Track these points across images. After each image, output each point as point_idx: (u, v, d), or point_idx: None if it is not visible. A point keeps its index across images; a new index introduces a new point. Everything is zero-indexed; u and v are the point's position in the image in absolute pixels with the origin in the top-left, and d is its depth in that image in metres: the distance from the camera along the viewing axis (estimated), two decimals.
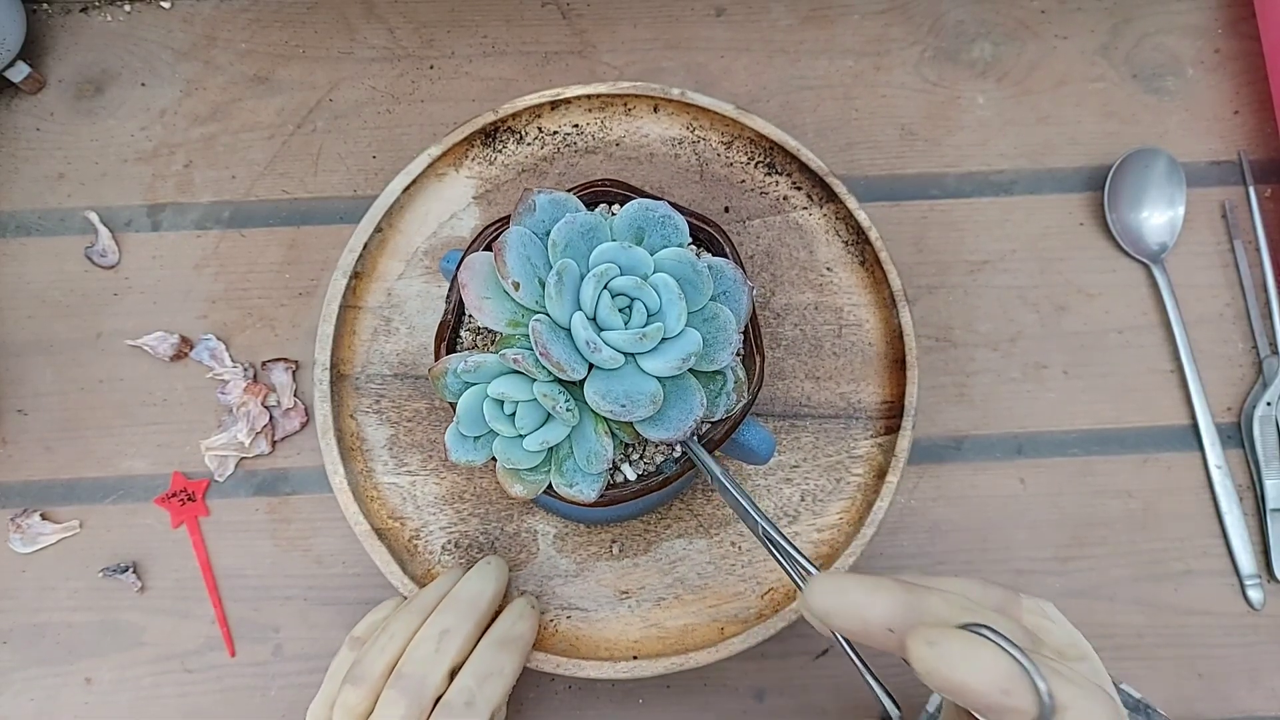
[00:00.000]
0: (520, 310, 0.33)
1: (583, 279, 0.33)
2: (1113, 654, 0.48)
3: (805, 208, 0.50)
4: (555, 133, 0.51)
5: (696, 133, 0.51)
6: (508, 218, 0.35)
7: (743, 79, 0.55)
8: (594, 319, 0.33)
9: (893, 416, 0.48)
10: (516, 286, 0.32)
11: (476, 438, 0.34)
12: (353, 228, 0.50)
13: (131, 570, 0.48)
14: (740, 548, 0.47)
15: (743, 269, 0.36)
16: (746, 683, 0.48)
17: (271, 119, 0.54)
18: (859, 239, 0.50)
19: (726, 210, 0.51)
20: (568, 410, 0.32)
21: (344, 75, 0.55)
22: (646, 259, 0.33)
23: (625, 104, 0.51)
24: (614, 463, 0.36)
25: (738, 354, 0.35)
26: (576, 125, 0.52)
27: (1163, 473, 0.50)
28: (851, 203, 0.49)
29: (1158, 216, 0.53)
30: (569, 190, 0.36)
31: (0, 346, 0.51)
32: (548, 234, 0.33)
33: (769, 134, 0.50)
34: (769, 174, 0.51)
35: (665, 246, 0.34)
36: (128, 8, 0.56)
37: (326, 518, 0.49)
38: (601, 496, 0.34)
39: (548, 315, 0.33)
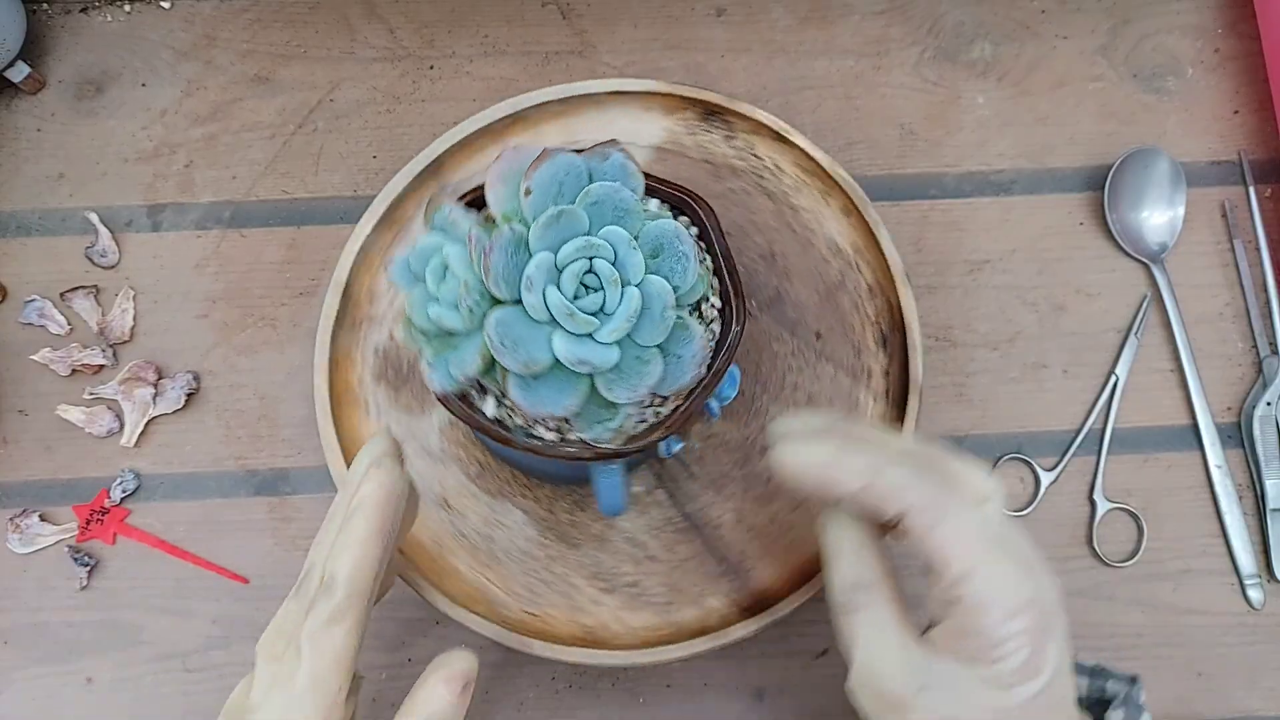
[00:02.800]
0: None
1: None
2: (1113, 654, 0.48)
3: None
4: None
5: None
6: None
7: (742, 79, 0.55)
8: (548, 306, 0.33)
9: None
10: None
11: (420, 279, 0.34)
12: (353, 228, 0.50)
13: (87, 566, 0.48)
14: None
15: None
16: (746, 683, 0.48)
17: (272, 119, 0.54)
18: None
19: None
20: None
21: (345, 75, 0.55)
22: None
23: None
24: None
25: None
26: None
27: (1163, 472, 0.50)
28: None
29: (1158, 216, 0.53)
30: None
31: (0, 347, 0.51)
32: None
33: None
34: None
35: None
36: (128, 8, 0.56)
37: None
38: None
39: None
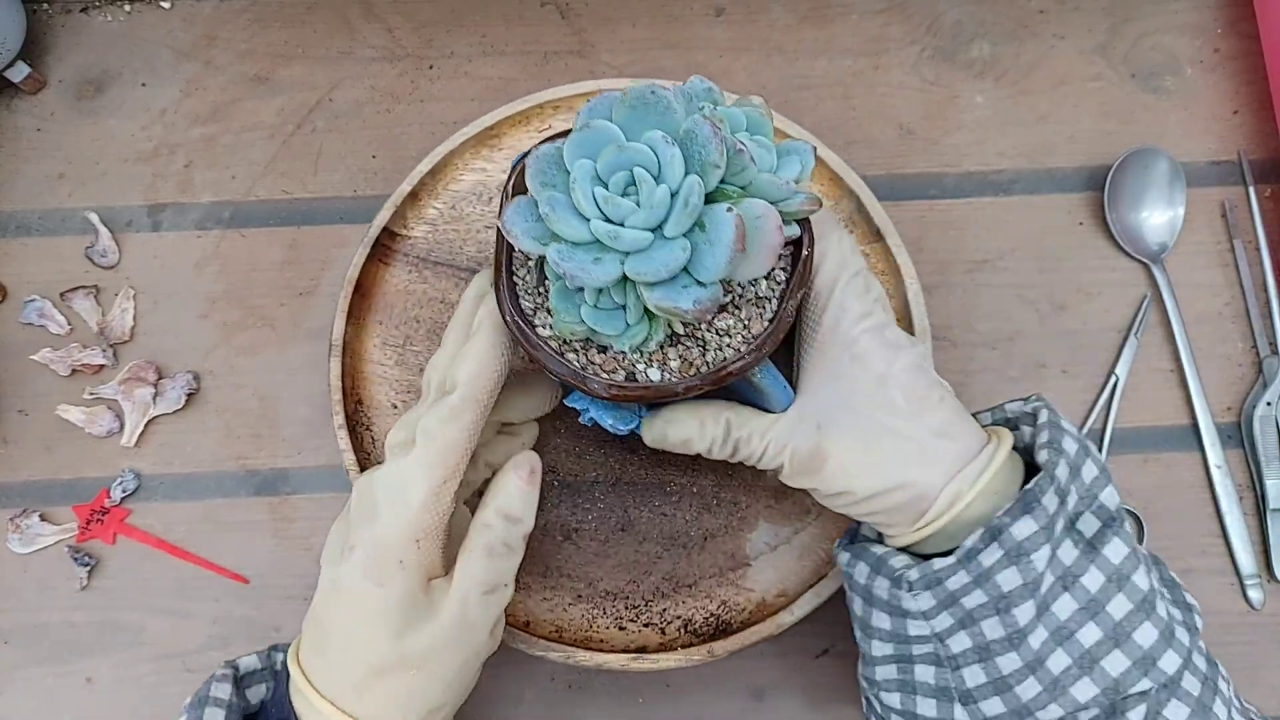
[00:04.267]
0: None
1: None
2: None
3: None
4: None
5: None
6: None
7: (742, 79, 0.55)
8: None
9: None
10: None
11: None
12: (354, 228, 0.50)
13: (87, 566, 0.48)
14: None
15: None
16: (746, 682, 0.48)
17: (271, 119, 0.54)
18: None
19: None
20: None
21: (344, 75, 0.55)
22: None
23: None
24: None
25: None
26: None
27: (1163, 472, 0.50)
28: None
29: (1157, 216, 0.53)
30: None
31: (0, 347, 0.51)
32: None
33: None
34: None
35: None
36: (128, 8, 0.56)
37: (327, 517, 0.49)
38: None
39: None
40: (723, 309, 0.35)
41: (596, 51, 0.56)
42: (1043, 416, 0.37)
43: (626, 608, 0.46)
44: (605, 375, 0.35)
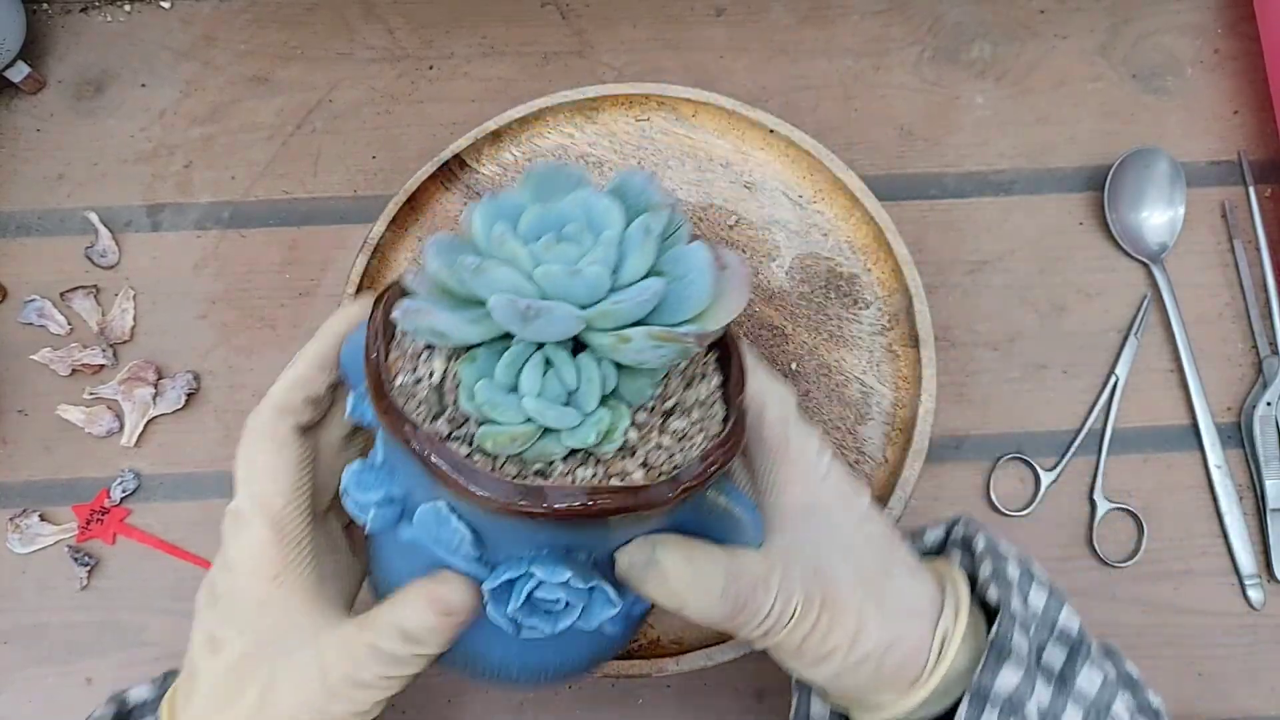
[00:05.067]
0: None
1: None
2: None
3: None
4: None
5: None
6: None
7: (742, 79, 0.55)
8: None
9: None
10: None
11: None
12: (354, 228, 0.50)
13: (87, 566, 0.48)
14: None
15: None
16: (746, 683, 0.48)
17: (271, 119, 0.54)
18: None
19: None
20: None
21: (343, 76, 0.55)
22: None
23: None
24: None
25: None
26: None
27: (1163, 472, 0.50)
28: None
29: (1158, 216, 0.53)
30: None
31: (0, 347, 0.51)
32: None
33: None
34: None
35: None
36: (128, 8, 0.56)
37: None
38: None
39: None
40: (668, 414, 0.29)
41: (597, 52, 0.56)
42: (979, 544, 0.34)
43: None
44: (572, 480, 0.27)
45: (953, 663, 0.31)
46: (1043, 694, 0.31)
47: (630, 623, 0.33)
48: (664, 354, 0.26)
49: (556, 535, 0.28)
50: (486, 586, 0.29)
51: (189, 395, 0.50)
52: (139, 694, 0.35)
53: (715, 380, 0.31)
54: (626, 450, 0.27)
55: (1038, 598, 0.33)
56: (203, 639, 0.32)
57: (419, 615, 0.30)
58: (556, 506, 0.26)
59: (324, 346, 0.33)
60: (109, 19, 0.56)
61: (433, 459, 0.26)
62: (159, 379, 0.51)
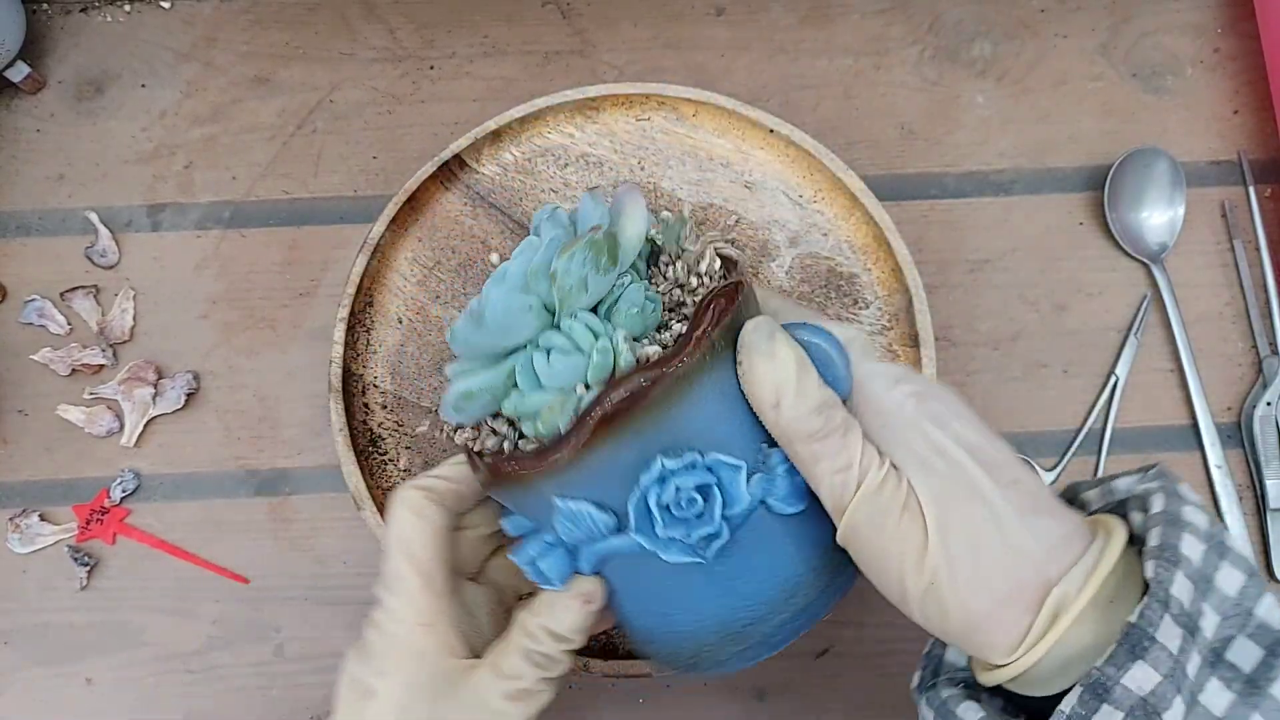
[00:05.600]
0: None
1: None
2: None
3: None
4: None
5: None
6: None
7: (743, 78, 0.55)
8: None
9: None
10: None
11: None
12: (354, 228, 0.50)
13: (87, 566, 0.48)
14: None
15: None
16: (746, 683, 0.48)
17: (272, 120, 0.54)
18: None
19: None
20: None
21: (344, 76, 0.55)
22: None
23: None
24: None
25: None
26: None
27: None
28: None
29: (1158, 216, 0.53)
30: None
31: (0, 347, 0.51)
32: None
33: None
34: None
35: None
36: (128, 8, 0.56)
37: (327, 517, 0.49)
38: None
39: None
40: (668, 315, 0.32)
41: (598, 51, 0.56)
42: (1156, 503, 0.28)
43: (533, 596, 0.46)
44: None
45: (1070, 636, 0.27)
46: (1217, 698, 0.26)
47: (797, 491, 0.31)
48: (594, 267, 0.30)
49: (645, 447, 0.30)
50: (634, 534, 0.31)
51: (189, 395, 0.50)
52: None
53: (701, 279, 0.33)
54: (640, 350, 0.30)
55: (1229, 581, 0.27)
56: (354, 693, 0.34)
57: (565, 611, 0.33)
58: (615, 401, 0.29)
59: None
60: (109, 19, 0.56)
61: (511, 466, 0.31)
62: (159, 379, 0.51)
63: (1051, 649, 0.27)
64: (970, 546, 0.28)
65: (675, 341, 0.30)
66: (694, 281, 0.33)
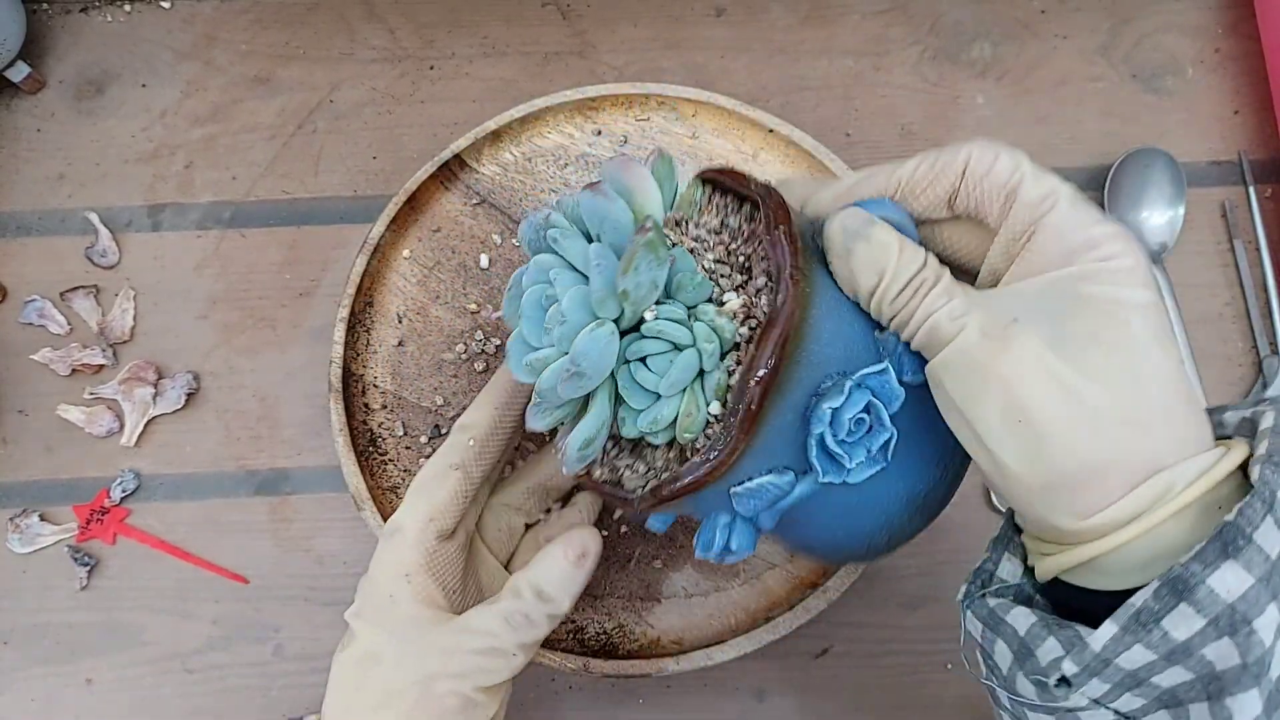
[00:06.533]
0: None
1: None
2: None
3: None
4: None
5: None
6: None
7: (742, 79, 0.55)
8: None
9: None
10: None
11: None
12: (354, 228, 0.50)
13: (87, 566, 0.48)
14: None
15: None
16: (746, 683, 0.48)
17: (272, 120, 0.54)
18: None
19: None
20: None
21: (344, 76, 0.55)
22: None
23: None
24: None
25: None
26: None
27: None
28: None
29: (1158, 216, 0.53)
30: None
31: (0, 347, 0.51)
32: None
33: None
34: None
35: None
36: (128, 8, 0.56)
37: (327, 517, 0.49)
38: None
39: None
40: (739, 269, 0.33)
41: (597, 52, 0.56)
42: (1266, 420, 0.26)
43: None
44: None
45: (1166, 529, 0.25)
46: None
47: (916, 357, 0.31)
48: (656, 264, 0.30)
49: (796, 401, 0.30)
50: (821, 478, 0.31)
51: (189, 395, 0.50)
52: None
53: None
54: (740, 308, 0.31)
55: None
56: (341, 643, 0.36)
57: (554, 568, 0.35)
58: (760, 380, 0.29)
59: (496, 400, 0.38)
60: (109, 19, 0.56)
61: (681, 487, 0.30)
62: (159, 379, 0.51)
63: (1143, 534, 0.25)
64: (1099, 388, 0.26)
65: (755, 290, 0.31)
66: (728, 223, 0.33)
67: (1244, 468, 0.26)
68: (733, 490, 0.31)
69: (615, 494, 0.34)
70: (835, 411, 0.30)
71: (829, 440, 0.30)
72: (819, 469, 0.30)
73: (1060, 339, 0.26)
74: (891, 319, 0.30)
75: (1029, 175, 0.29)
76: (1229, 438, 0.28)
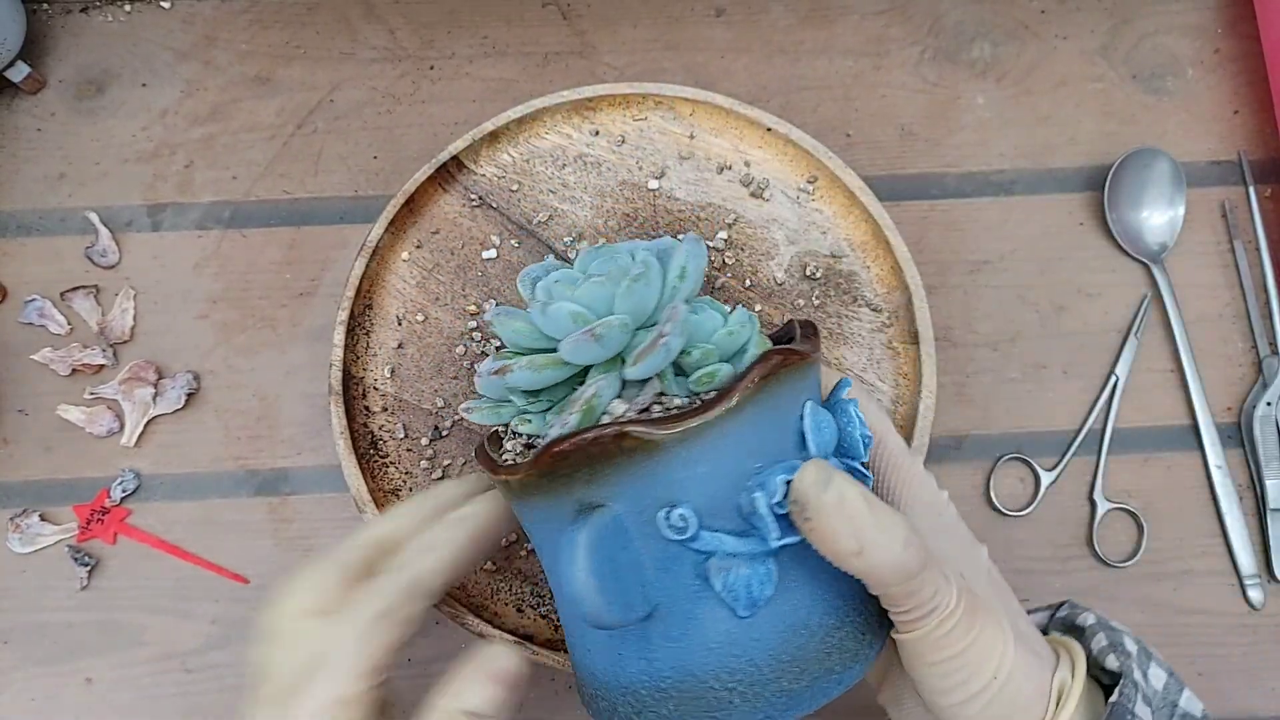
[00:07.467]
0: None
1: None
2: None
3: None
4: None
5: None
6: None
7: (742, 79, 0.55)
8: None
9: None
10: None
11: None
12: (354, 228, 0.50)
13: (87, 566, 0.48)
14: None
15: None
16: None
17: (272, 119, 0.54)
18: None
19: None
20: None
21: (344, 76, 0.55)
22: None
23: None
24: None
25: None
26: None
27: (1163, 473, 0.50)
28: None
29: (1158, 216, 0.53)
30: None
31: (0, 347, 0.51)
32: None
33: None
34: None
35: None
36: (128, 8, 0.56)
37: (327, 518, 0.49)
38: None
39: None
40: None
41: (598, 52, 0.56)
42: (1089, 619, 0.34)
43: (532, 594, 0.46)
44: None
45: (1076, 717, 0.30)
46: None
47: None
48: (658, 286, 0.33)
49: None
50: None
51: (189, 395, 0.50)
52: None
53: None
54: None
55: (1157, 677, 0.32)
56: None
57: (481, 692, 0.30)
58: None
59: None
60: (109, 19, 0.56)
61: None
62: (159, 379, 0.51)
63: None
64: (1025, 643, 0.31)
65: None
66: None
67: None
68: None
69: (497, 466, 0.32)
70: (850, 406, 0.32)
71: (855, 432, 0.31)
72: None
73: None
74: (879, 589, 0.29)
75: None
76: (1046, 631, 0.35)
